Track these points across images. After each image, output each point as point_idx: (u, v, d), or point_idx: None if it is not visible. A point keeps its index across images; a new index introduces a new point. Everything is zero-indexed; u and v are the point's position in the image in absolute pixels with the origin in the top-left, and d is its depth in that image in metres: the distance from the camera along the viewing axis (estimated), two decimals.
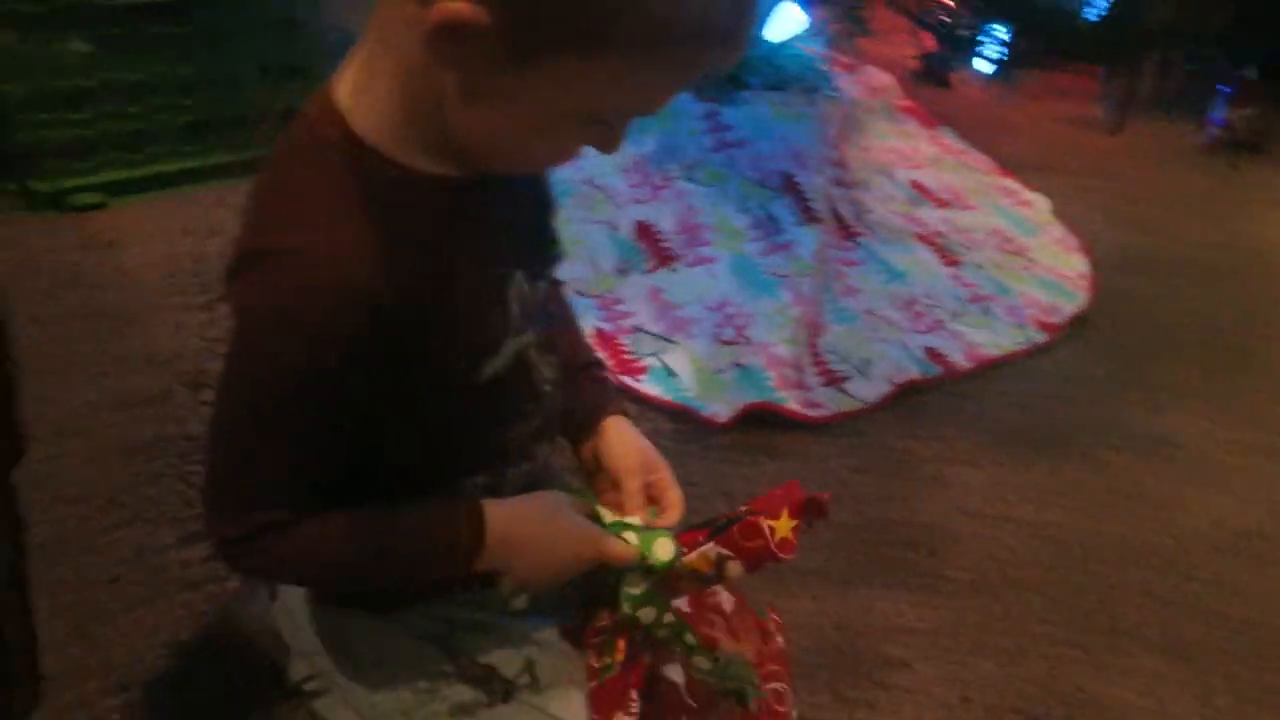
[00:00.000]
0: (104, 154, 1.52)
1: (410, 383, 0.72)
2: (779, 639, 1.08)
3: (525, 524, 0.81)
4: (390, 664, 0.87)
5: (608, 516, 0.87)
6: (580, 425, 0.91)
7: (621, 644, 0.87)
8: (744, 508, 0.89)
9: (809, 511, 0.87)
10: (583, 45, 0.61)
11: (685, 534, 0.90)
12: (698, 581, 0.89)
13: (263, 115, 1.61)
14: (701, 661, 0.90)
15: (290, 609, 0.90)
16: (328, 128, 0.68)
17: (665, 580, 0.88)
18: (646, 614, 0.86)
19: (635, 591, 0.86)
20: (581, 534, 0.83)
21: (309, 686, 0.96)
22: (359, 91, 0.68)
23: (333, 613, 0.87)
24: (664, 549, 0.86)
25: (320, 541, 0.74)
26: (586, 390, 0.92)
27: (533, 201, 0.80)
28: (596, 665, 0.87)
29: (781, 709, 1.03)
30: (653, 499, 0.90)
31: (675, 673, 0.94)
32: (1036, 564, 1.38)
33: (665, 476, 0.90)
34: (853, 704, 1.15)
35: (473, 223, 0.72)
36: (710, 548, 0.88)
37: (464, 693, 0.86)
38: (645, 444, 0.92)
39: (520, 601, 0.87)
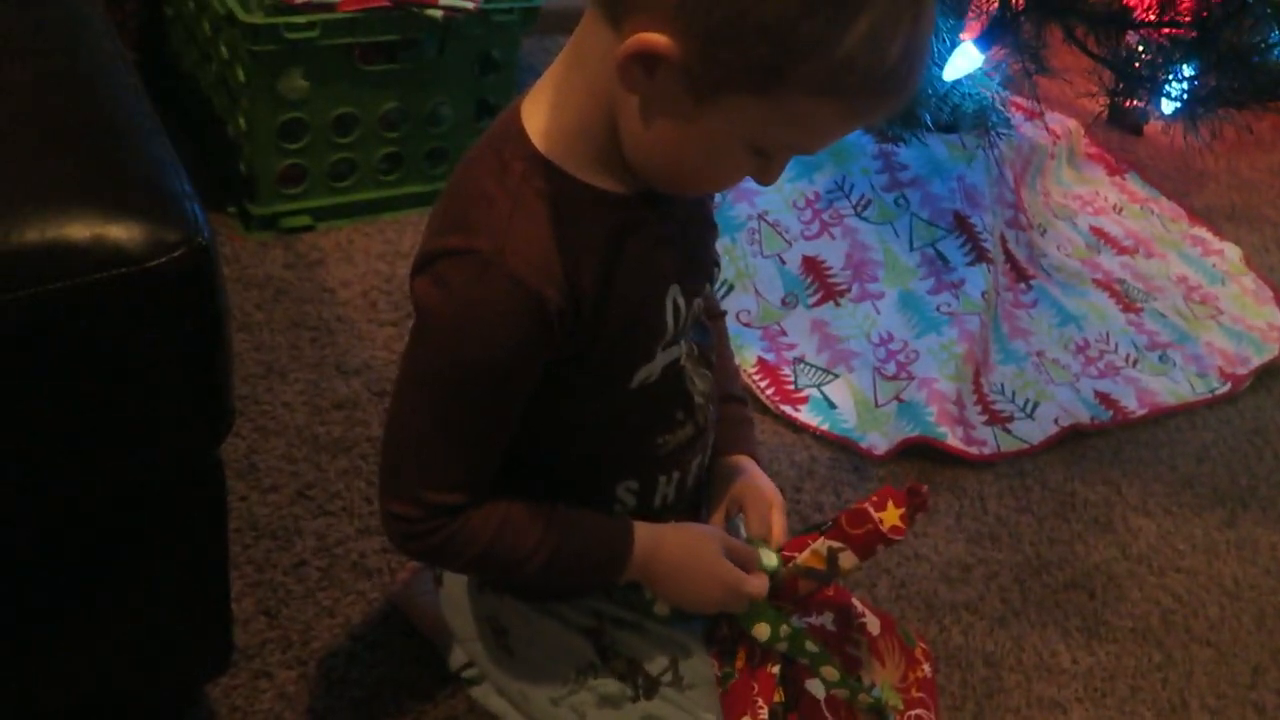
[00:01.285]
0: (314, 181, 1.64)
1: (568, 383, 0.77)
2: (926, 667, 1.08)
3: (669, 555, 0.85)
4: (542, 653, 0.92)
5: None
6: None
7: (741, 653, 0.89)
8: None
9: (912, 501, 0.88)
10: (762, 83, 0.65)
11: (796, 539, 0.92)
12: (814, 579, 0.90)
13: (456, 150, 1.71)
14: (830, 672, 0.91)
15: (453, 596, 0.95)
16: (512, 142, 0.74)
17: (783, 585, 0.89)
18: (760, 630, 0.88)
19: (743, 610, 0.88)
20: (721, 575, 0.86)
21: (467, 674, 1.02)
22: (547, 110, 0.74)
23: (492, 600, 0.92)
24: (767, 558, 0.89)
25: (489, 528, 0.79)
26: (723, 423, 0.95)
27: (694, 222, 0.83)
28: (718, 673, 0.89)
29: None
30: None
31: (816, 689, 0.95)
32: (1205, 616, 1.32)
33: (769, 509, 0.92)
34: None
35: (636, 236, 0.76)
36: (821, 544, 0.88)
37: (610, 685, 0.90)
38: (760, 484, 0.94)
39: (662, 609, 0.90)
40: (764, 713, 0.87)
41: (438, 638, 1.04)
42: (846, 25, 0.63)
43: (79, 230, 0.67)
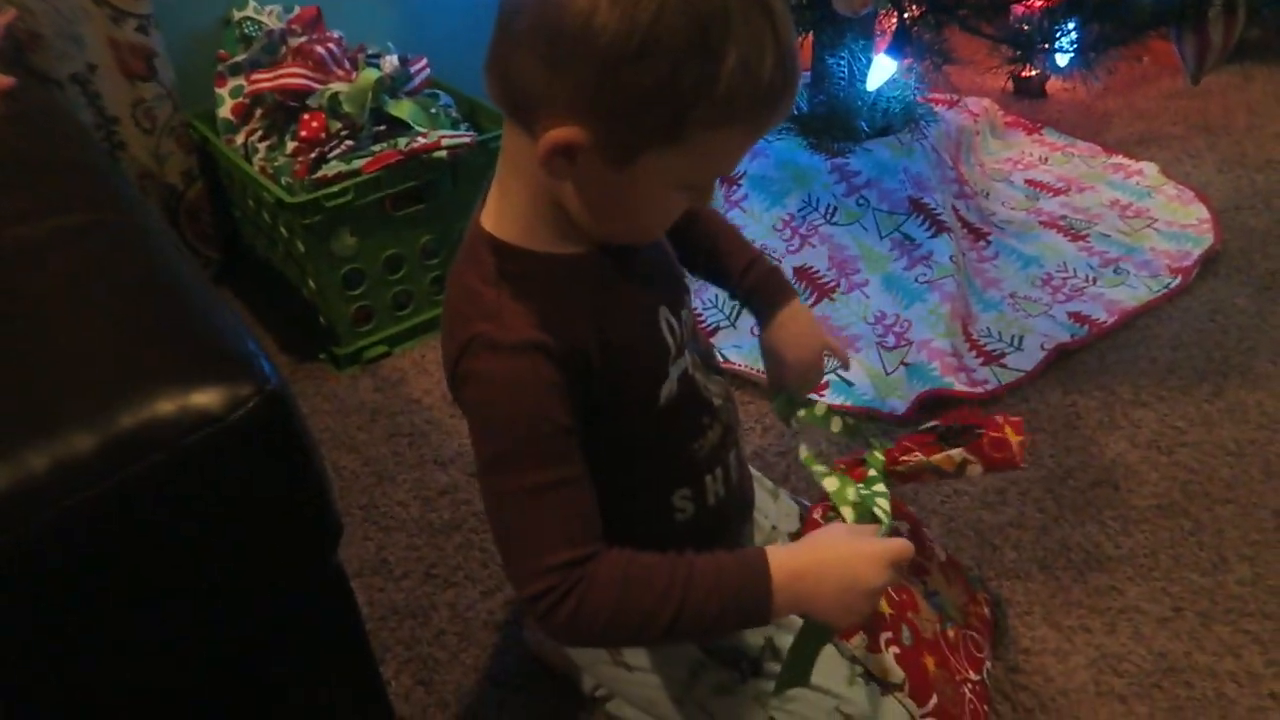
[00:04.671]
0: (380, 317, 1.61)
1: (606, 415, 0.71)
2: (986, 610, 1.01)
3: (810, 555, 0.69)
4: (655, 663, 0.85)
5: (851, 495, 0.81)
6: (759, 317, 0.89)
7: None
8: (963, 425, 0.86)
9: (1026, 433, 0.85)
10: (666, 138, 0.61)
11: (914, 436, 0.87)
12: (936, 475, 0.85)
13: None
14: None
15: None
16: (480, 244, 0.70)
17: (911, 473, 0.85)
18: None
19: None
20: (867, 552, 0.69)
21: (599, 694, 0.95)
22: (499, 211, 0.70)
23: None
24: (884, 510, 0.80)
25: (617, 575, 0.66)
26: (758, 285, 0.89)
27: (655, 250, 0.78)
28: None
29: (979, 655, 0.96)
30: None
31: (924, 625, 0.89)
32: (1217, 479, 1.22)
33: (831, 344, 0.89)
34: (1070, 631, 1.04)
35: (611, 284, 0.71)
36: (958, 452, 0.84)
37: (721, 674, 0.84)
38: (812, 329, 0.89)
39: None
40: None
41: (568, 670, 0.98)
42: (718, 65, 0.58)
43: (166, 405, 0.64)
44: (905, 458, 0.85)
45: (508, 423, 0.67)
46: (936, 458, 0.84)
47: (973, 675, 0.92)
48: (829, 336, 0.90)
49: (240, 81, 1.64)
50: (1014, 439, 0.84)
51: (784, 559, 0.68)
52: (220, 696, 0.73)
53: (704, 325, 1.57)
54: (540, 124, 0.61)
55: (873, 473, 0.84)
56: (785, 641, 0.83)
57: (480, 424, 0.70)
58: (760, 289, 0.89)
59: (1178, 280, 1.62)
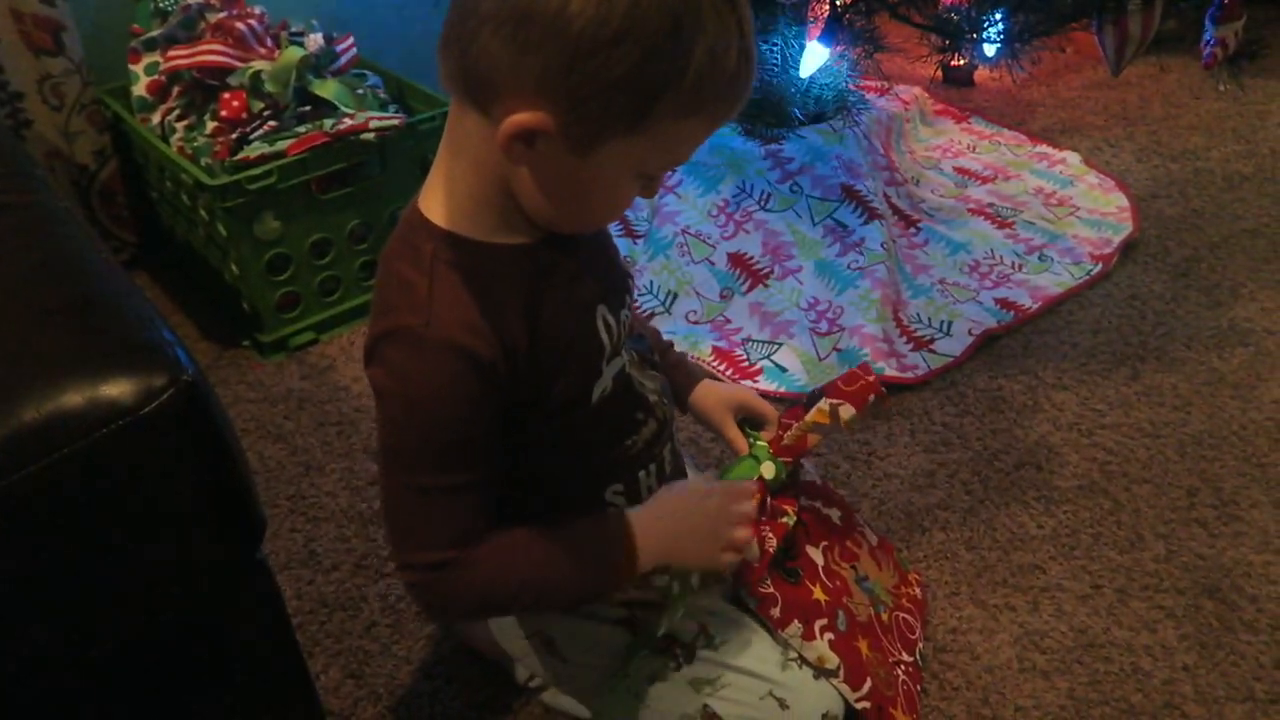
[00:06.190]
0: (307, 302, 1.57)
1: (536, 412, 0.71)
2: (917, 590, 1.03)
3: (661, 507, 0.78)
4: (589, 651, 0.85)
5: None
6: (679, 398, 0.92)
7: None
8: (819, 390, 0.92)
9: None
10: (630, 126, 0.60)
11: (791, 410, 0.91)
12: (820, 433, 0.90)
13: None
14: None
15: (502, 623, 0.88)
16: (418, 230, 0.68)
17: (796, 442, 0.88)
18: (767, 469, 0.88)
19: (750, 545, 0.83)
20: (709, 489, 0.79)
21: (533, 684, 0.95)
22: (442, 196, 0.68)
23: (533, 618, 0.85)
24: (768, 470, 0.87)
25: (483, 573, 0.71)
26: (677, 364, 0.93)
27: (597, 246, 0.77)
28: None
29: (912, 636, 0.98)
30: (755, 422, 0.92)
31: (816, 555, 0.92)
32: (1135, 459, 1.26)
33: (753, 402, 0.91)
34: (995, 609, 1.07)
35: (551, 277, 0.70)
36: (824, 402, 0.88)
37: (653, 662, 0.83)
38: (728, 389, 0.92)
39: (694, 580, 0.82)
40: (772, 543, 0.85)
41: (501, 659, 0.97)
42: (688, 56, 0.58)
43: (73, 396, 0.61)
44: (785, 434, 0.88)
45: (413, 422, 0.67)
46: (810, 416, 0.88)
47: (906, 657, 0.94)
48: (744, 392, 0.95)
49: (156, 58, 1.58)
50: (870, 377, 0.90)
51: (643, 512, 0.76)
52: (141, 696, 0.70)
53: (639, 311, 1.56)
54: (501, 107, 0.60)
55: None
56: (718, 626, 0.83)
57: (386, 412, 0.69)
58: (678, 368, 0.93)
59: (1099, 267, 1.67)
